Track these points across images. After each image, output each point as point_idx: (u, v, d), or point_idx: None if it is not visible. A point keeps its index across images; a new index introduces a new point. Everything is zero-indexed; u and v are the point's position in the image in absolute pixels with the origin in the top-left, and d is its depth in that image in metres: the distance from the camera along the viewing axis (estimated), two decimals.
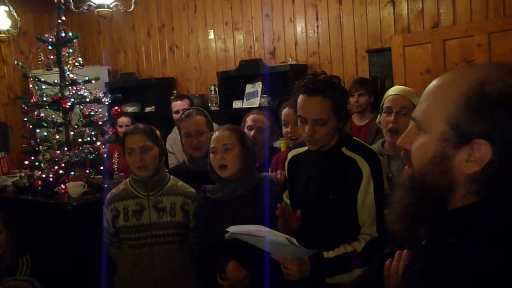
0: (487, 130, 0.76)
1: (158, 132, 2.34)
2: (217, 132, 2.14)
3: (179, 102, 4.05)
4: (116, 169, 3.23)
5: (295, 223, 1.88)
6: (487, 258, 0.75)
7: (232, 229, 1.73)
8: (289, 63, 4.28)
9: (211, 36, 4.99)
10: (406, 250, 1.13)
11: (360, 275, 1.30)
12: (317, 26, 4.33)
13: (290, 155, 2.07)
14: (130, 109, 5.17)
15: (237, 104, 4.46)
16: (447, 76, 0.86)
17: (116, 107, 3.30)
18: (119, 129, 4.25)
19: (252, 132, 2.64)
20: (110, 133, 3.43)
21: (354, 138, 1.99)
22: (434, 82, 0.87)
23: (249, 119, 2.70)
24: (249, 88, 4.45)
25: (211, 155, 2.10)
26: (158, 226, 2.22)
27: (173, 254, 2.24)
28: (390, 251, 1.20)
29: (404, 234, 0.91)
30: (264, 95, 4.32)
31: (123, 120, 4.23)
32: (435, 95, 0.85)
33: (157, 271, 2.21)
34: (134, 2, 3.68)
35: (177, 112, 3.94)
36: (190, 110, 2.67)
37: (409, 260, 1.06)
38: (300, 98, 1.82)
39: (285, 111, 2.49)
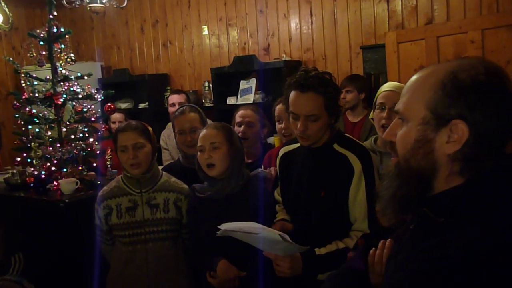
0: (463, 111, 0.84)
1: (150, 128, 2.33)
2: (204, 130, 2.12)
3: (175, 95, 4.06)
4: (109, 165, 3.21)
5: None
6: (479, 232, 0.79)
7: (225, 226, 1.72)
8: (283, 59, 4.27)
9: (205, 32, 4.97)
10: (389, 239, 1.16)
11: (346, 264, 1.32)
12: (311, 22, 4.32)
13: (281, 152, 2.07)
14: (123, 105, 5.14)
15: (231, 101, 4.45)
16: (424, 70, 0.94)
17: (109, 104, 3.28)
18: (112, 126, 4.22)
19: (242, 127, 2.63)
20: (103, 129, 3.42)
21: (346, 134, 1.99)
22: (413, 77, 0.95)
23: (237, 116, 2.69)
24: (243, 85, 4.44)
25: (199, 153, 2.08)
26: (152, 223, 2.22)
27: (167, 250, 2.24)
28: (375, 240, 1.24)
29: (393, 219, 0.97)
30: (258, 91, 4.31)
31: (116, 116, 4.20)
32: (414, 87, 0.92)
33: (151, 268, 2.20)
34: None
35: (173, 105, 3.95)
36: (184, 108, 2.66)
37: (393, 248, 1.09)
38: (292, 94, 1.82)
39: (278, 107, 2.49)
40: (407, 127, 0.91)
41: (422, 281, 0.81)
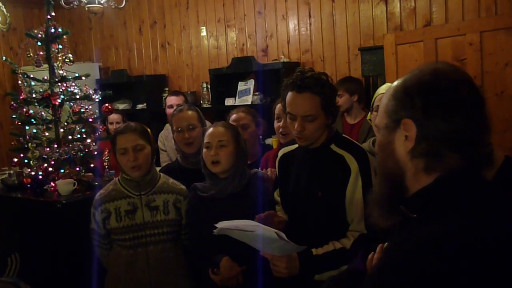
0: (409, 111, 0.95)
1: (149, 130, 2.32)
2: (212, 128, 2.13)
3: (173, 97, 4.05)
4: (106, 166, 3.21)
5: (278, 226, 1.87)
6: (441, 224, 0.88)
7: (221, 224, 1.72)
8: (281, 60, 4.27)
9: (203, 33, 4.96)
10: (387, 243, 1.18)
11: (346, 269, 1.34)
12: (310, 24, 4.32)
13: (280, 153, 2.08)
14: (121, 106, 5.13)
15: (229, 102, 4.45)
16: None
17: (107, 104, 3.28)
18: (110, 126, 4.22)
19: None
20: (101, 130, 3.41)
21: (343, 135, 2.00)
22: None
23: (231, 120, 2.68)
24: (241, 86, 4.43)
25: (204, 150, 2.09)
26: (152, 225, 2.20)
27: (168, 252, 2.23)
28: (374, 245, 1.28)
29: (381, 221, 1.05)
30: (257, 93, 4.31)
31: (114, 117, 4.19)
32: (381, 103, 1.06)
33: (153, 271, 2.19)
34: None
35: (171, 106, 3.92)
36: (182, 106, 2.68)
37: None
38: (289, 95, 1.83)
39: (279, 105, 2.48)
40: (379, 135, 1.05)
41: (390, 271, 0.88)
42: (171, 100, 4.01)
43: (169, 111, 3.88)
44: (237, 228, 1.68)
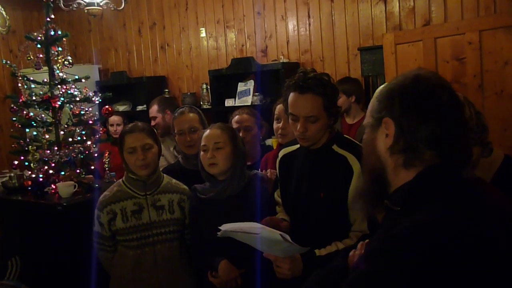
0: (389, 111, 1.05)
1: (155, 130, 2.33)
2: (208, 130, 2.13)
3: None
4: (107, 168, 3.21)
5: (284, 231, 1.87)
6: (422, 215, 0.94)
7: (225, 227, 1.72)
8: (281, 61, 4.27)
9: (203, 34, 4.97)
10: (367, 240, 1.23)
11: (327, 266, 1.37)
12: (309, 24, 4.32)
13: (281, 153, 2.08)
14: (121, 108, 5.14)
15: (229, 103, 4.45)
16: None
17: (107, 106, 3.28)
18: (110, 128, 4.22)
19: (240, 133, 2.62)
20: (101, 132, 3.41)
21: (345, 135, 2.00)
22: None
23: (234, 122, 2.68)
24: (241, 86, 4.43)
25: (202, 153, 2.10)
26: (159, 224, 2.22)
27: (174, 251, 2.25)
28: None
29: (366, 212, 1.19)
30: (256, 93, 4.31)
31: (114, 119, 4.20)
32: (369, 105, 1.15)
33: (160, 270, 2.20)
34: (125, 0, 3.66)
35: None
36: (184, 108, 2.67)
37: None
38: (291, 96, 1.82)
39: (279, 106, 2.48)
40: (364, 134, 1.15)
41: (374, 258, 0.95)
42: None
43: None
44: (241, 230, 1.68)
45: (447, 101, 1.02)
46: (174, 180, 2.33)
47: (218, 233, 1.73)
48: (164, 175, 2.35)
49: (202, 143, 2.10)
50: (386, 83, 1.10)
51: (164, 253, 2.21)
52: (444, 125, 1.01)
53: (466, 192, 1.01)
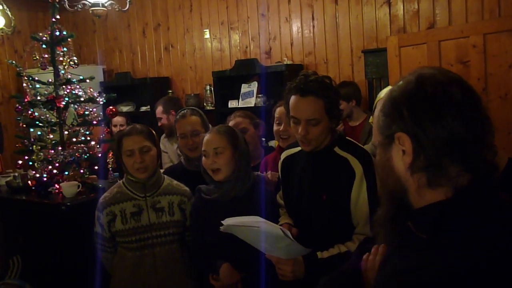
0: (400, 124, 0.90)
1: (154, 132, 2.32)
2: (207, 135, 2.11)
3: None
4: (110, 168, 3.21)
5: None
6: (459, 252, 0.79)
7: (227, 221, 1.72)
8: (284, 63, 4.28)
9: (207, 35, 4.98)
10: (383, 244, 1.16)
11: (340, 269, 1.32)
12: (313, 26, 4.32)
13: (283, 155, 2.07)
14: (125, 108, 5.15)
15: (232, 104, 4.45)
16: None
17: (111, 107, 3.29)
18: (114, 129, 4.23)
19: None
20: (104, 132, 3.42)
21: (347, 138, 1.99)
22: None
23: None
24: (244, 88, 4.44)
25: (203, 158, 2.08)
26: (158, 227, 2.21)
27: (174, 253, 2.24)
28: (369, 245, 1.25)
29: (388, 242, 1.02)
30: (260, 95, 4.31)
31: (118, 119, 4.21)
32: (374, 121, 1.04)
33: (160, 272, 2.20)
34: (129, 1, 3.67)
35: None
36: (185, 111, 2.65)
37: (386, 254, 1.10)
38: (293, 98, 1.82)
39: (279, 109, 2.48)
40: (377, 155, 1.00)
41: None
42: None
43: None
44: (243, 224, 1.68)
45: (462, 97, 0.88)
46: (175, 182, 2.32)
47: (221, 227, 1.73)
48: (165, 176, 2.34)
49: (203, 148, 2.08)
50: (387, 90, 1.00)
51: (163, 256, 2.20)
52: (465, 125, 0.86)
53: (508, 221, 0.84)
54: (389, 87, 2.23)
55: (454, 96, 0.87)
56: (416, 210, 0.92)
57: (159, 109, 3.96)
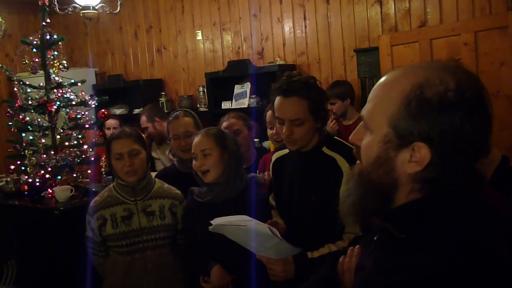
0: (426, 132, 0.79)
1: (143, 135, 2.31)
2: (196, 138, 2.12)
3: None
4: (103, 172, 3.20)
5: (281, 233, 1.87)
6: (439, 253, 0.76)
7: (216, 221, 1.72)
8: (277, 63, 4.27)
9: (199, 37, 4.97)
10: (358, 246, 1.15)
11: (316, 274, 1.30)
12: (305, 26, 4.32)
13: (274, 157, 2.08)
14: (118, 111, 5.13)
15: (226, 105, 4.45)
16: (391, 75, 0.89)
17: (103, 110, 3.28)
18: (107, 132, 4.22)
19: None
20: (97, 136, 3.40)
21: (335, 137, 2.00)
22: (380, 81, 0.90)
23: (223, 128, 2.67)
24: (237, 89, 4.44)
25: (193, 160, 2.09)
26: (149, 231, 2.20)
27: (165, 257, 2.22)
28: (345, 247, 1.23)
29: (363, 233, 0.98)
30: (253, 96, 4.31)
31: (111, 122, 4.20)
32: (379, 96, 0.88)
33: (151, 276, 2.18)
34: (120, 4, 3.65)
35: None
36: (178, 112, 2.66)
37: (362, 256, 1.08)
38: (277, 99, 1.83)
39: (269, 113, 2.49)
40: (370, 139, 0.88)
41: None
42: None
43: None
44: (231, 223, 1.68)
45: (488, 106, 0.83)
46: (166, 185, 2.31)
47: (210, 228, 1.73)
48: (156, 179, 2.33)
49: (192, 151, 2.09)
50: (413, 82, 0.80)
51: (154, 260, 2.19)
52: (483, 139, 0.82)
53: (488, 220, 0.81)
54: None
55: (486, 108, 0.83)
56: (394, 209, 0.87)
57: (143, 119, 3.93)
